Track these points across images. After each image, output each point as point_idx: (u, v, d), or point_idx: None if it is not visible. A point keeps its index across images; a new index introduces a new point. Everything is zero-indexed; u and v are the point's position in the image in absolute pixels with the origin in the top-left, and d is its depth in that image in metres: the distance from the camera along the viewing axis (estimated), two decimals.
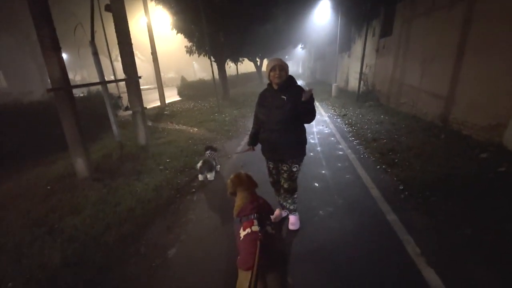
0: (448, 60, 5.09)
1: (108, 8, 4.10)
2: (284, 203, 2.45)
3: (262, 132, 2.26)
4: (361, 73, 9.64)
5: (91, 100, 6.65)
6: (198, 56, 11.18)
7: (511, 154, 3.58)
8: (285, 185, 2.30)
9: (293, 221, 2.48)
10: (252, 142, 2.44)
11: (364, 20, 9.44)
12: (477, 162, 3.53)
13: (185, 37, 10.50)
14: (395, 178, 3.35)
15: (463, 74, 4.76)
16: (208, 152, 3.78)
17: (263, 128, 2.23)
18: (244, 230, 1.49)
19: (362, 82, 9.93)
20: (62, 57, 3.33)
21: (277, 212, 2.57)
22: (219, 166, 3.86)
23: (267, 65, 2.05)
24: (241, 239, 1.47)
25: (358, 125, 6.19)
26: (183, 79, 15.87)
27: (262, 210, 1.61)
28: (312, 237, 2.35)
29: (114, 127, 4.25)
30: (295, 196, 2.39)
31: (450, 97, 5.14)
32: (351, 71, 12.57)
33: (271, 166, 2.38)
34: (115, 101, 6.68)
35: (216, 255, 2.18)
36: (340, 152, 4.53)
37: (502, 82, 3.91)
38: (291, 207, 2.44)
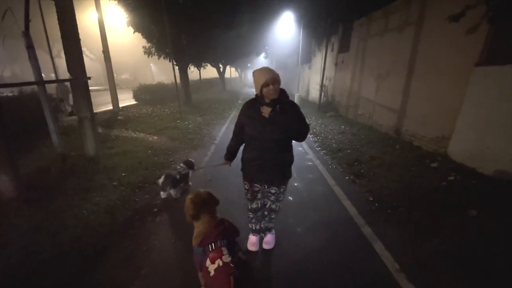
0: (400, 77, 5.61)
1: None
2: (266, 224, 2.30)
3: (251, 150, 1.94)
4: (321, 85, 10.15)
5: (23, 102, 5.56)
6: (158, 59, 10.45)
7: (455, 164, 4.03)
8: (273, 206, 2.15)
9: (269, 240, 2.34)
10: (231, 156, 2.19)
11: (324, 35, 10.02)
12: (429, 171, 3.89)
13: (143, 37, 9.72)
14: (364, 190, 3.45)
15: (413, 91, 5.28)
16: (181, 165, 3.36)
17: (252, 145, 1.93)
18: (212, 262, 1.24)
19: (322, 93, 10.45)
20: None
21: (252, 239, 2.33)
22: (191, 183, 3.47)
23: (258, 79, 1.73)
24: (211, 275, 1.22)
25: (323, 134, 6.40)
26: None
27: (229, 235, 1.38)
28: (295, 257, 2.21)
29: (54, 136, 3.55)
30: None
31: (402, 111, 5.65)
32: (312, 82, 13.21)
33: (256, 188, 2.05)
34: (56, 103, 5.76)
35: None
36: (310, 163, 4.56)
37: (445, 99, 4.42)
38: (270, 225, 2.31)
